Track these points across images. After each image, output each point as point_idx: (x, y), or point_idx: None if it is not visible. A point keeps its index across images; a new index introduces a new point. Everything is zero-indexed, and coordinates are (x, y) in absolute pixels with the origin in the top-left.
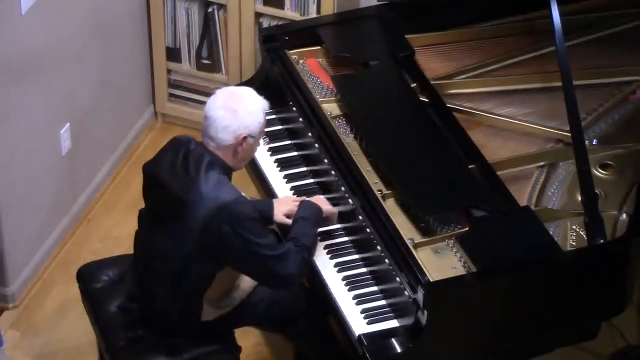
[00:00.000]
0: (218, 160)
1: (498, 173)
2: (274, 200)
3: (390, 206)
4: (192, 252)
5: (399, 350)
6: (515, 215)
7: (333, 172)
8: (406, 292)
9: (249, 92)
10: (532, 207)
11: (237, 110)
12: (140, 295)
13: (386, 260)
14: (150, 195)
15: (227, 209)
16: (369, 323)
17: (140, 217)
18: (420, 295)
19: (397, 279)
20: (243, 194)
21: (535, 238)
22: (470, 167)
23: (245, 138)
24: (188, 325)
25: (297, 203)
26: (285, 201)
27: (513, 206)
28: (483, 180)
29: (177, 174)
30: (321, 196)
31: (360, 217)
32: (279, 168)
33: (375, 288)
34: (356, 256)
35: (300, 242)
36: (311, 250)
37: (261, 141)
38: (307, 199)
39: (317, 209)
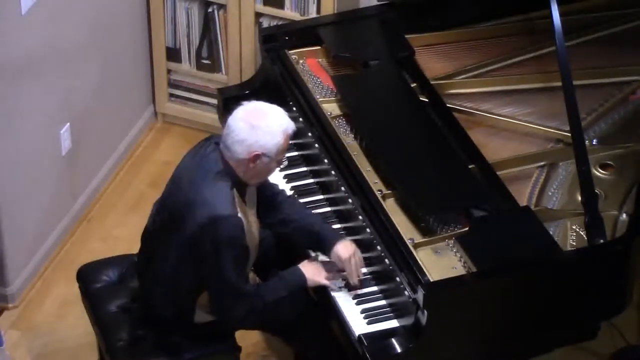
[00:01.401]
0: (230, 171)
1: (498, 173)
2: (345, 240)
3: (390, 206)
4: (185, 256)
5: (399, 350)
6: (515, 215)
7: (333, 172)
8: (406, 292)
9: (275, 111)
10: (532, 207)
11: (256, 126)
12: (140, 292)
13: (386, 260)
14: (167, 187)
15: (215, 224)
16: (369, 323)
17: (152, 210)
18: (420, 295)
19: (397, 279)
20: (240, 215)
21: (535, 238)
22: (470, 167)
23: (258, 156)
24: (182, 325)
25: (355, 255)
26: (349, 250)
27: (513, 206)
28: (483, 180)
29: (189, 176)
30: (322, 270)
31: (360, 217)
32: (278, 168)
33: (375, 288)
34: None
35: (260, 292)
36: (266, 306)
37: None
38: (308, 263)
39: (302, 280)
